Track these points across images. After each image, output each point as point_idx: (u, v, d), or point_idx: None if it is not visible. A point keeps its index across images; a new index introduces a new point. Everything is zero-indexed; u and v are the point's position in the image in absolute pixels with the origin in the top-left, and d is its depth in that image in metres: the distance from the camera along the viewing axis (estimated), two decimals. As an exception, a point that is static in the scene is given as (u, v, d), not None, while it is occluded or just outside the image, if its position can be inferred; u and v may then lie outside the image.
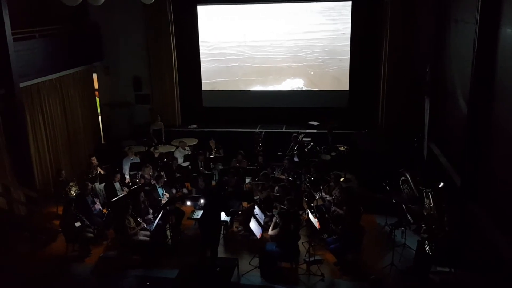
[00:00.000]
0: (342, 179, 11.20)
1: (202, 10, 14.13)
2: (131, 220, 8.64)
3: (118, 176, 10.57)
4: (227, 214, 8.51)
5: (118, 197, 9.78)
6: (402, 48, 12.64)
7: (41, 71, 11.12)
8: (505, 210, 7.53)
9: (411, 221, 8.64)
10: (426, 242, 7.75)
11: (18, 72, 10.02)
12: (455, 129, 10.04)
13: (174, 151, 12.49)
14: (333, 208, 9.18)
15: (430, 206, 8.54)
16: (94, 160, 11.45)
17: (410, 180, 9.75)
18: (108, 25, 13.96)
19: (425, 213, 8.64)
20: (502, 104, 7.82)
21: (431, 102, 11.46)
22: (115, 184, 10.31)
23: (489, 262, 7.64)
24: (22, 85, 10.25)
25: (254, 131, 13.14)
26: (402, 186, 9.96)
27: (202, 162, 11.62)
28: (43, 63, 11.22)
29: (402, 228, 8.87)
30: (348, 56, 13.77)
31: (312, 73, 14.10)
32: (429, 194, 8.69)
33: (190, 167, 11.65)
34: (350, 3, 13.41)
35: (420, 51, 12.42)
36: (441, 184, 8.77)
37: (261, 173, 10.31)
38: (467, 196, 8.87)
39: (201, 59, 14.44)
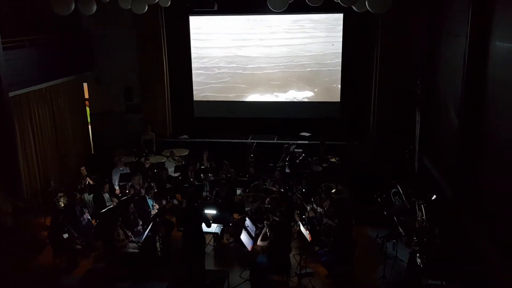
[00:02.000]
0: (333, 191, 11.19)
1: (194, 21, 14.14)
2: (120, 232, 8.53)
3: (107, 186, 10.45)
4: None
5: (107, 208, 9.66)
6: (393, 60, 12.69)
7: (31, 80, 11.00)
8: (496, 222, 7.54)
9: (403, 233, 8.61)
10: (418, 254, 7.72)
11: (8, 81, 9.88)
12: (446, 141, 10.08)
13: (164, 162, 12.40)
14: (325, 220, 9.14)
15: (422, 218, 8.55)
16: (83, 170, 11.34)
17: (401, 192, 9.75)
18: (100, 35, 13.90)
19: (417, 225, 8.64)
20: (492, 116, 7.85)
21: (422, 114, 11.51)
22: (104, 194, 10.19)
23: (480, 274, 7.61)
24: (11, 94, 10.11)
25: (246, 142, 13.10)
26: (394, 198, 9.96)
27: (192, 173, 11.54)
28: (33, 72, 11.10)
29: (394, 241, 8.83)
30: (340, 67, 13.82)
31: (304, 84, 14.13)
32: (422, 206, 8.70)
33: (180, 177, 11.56)
34: (341, 15, 13.48)
35: (411, 63, 12.49)
36: (434, 197, 8.78)
37: (252, 185, 10.25)
38: (458, 208, 8.87)
39: (192, 69, 14.43)
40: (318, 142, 12.71)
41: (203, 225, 7.98)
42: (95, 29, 13.80)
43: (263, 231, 8.47)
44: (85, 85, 14.03)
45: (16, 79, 10.38)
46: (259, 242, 8.35)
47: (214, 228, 9.17)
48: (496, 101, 7.69)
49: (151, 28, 13.64)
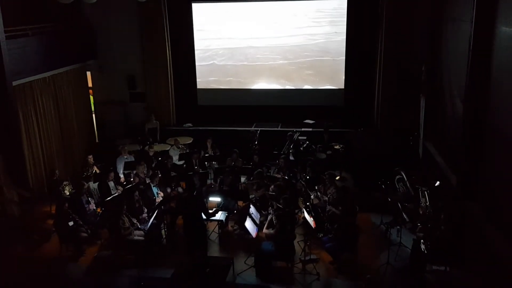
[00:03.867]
0: (337, 178, 11.21)
1: (197, 8, 14.06)
2: (126, 219, 8.59)
3: (112, 175, 10.49)
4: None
5: (112, 196, 9.71)
6: (397, 47, 12.60)
7: (34, 69, 11.02)
8: (500, 208, 7.53)
9: (407, 219, 8.63)
10: (422, 240, 7.75)
11: (11, 70, 9.92)
12: (451, 127, 10.04)
13: (169, 150, 12.43)
14: (329, 207, 9.16)
15: (426, 205, 8.56)
16: (90, 158, 11.39)
17: (405, 179, 9.74)
18: (102, 23, 13.87)
19: (420, 212, 8.65)
20: (497, 103, 7.81)
21: (426, 101, 11.46)
22: (109, 183, 10.24)
23: (485, 260, 7.63)
24: (15, 83, 10.15)
25: (250, 130, 13.09)
26: (398, 185, 9.97)
27: (197, 161, 11.57)
28: (36, 61, 11.11)
29: (398, 227, 8.86)
30: (344, 54, 13.74)
31: (308, 71, 14.06)
32: (425, 192, 8.70)
33: (185, 165, 11.60)
34: (345, 1, 13.36)
35: (416, 49, 12.41)
36: (437, 183, 8.77)
37: (255, 172, 10.27)
38: (462, 194, 8.86)
39: (196, 57, 14.38)
40: (322, 129, 12.69)
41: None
42: (98, 18, 13.77)
43: (268, 219, 8.49)
44: (88, 74, 14.02)
45: (19, 68, 10.40)
46: (264, 230, 8.39)
47: (219, 215, 9.23)
48: (502, 87, 7.64)
49: (153, 16, 13.57)
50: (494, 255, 7.38)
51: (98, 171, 11.13)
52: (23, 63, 10.58)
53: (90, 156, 11.46)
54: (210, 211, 8.69)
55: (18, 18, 10.97)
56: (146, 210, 9.40)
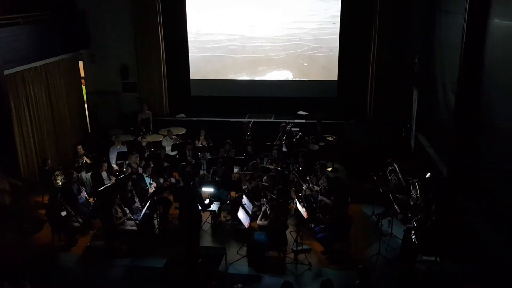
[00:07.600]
0: (329, 169, 11.26)
1: (191, -2, 13.99)
2: (118, 209, 8.58)
3: (105, 165, 10.47)
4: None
5: (105, 186, 9.69)
6: (391, 38, 12.63)
7: (25, 58, 10.90)
8: (491, 199, 7.62)
9: (398, 210, 8.70)
10: (413, 231, 7.82)
11: (2, 59, 9.83)
12: (443, 119, 10.10)
13: (161, 140, 12.41)
14: (320, 197, 9.21)
15: (417, 196, 8.62)
16: (80, 149, 11.33)
17: (397, 170, 9.80)
18: (95, 12, 13.73)
19: (411, 203, 8.72)
20: (489, 95, 7.86)
21: (419, 93, 11.51)
22: (102, 173, 10.21)
23: (474, 251, 7.72)
24: (6, 72, 10.06)
25: (243, 121, 13.09)
26: (390, 176, 10.02)
27: (190, 152, 11.56)
28: (27, 50, 10.99)
29: (389, 218, 8.93)
30: (337, 46, 13.73)
31: (301, 62, 14.04)
32: (416, 184, 8.76)
33: (178, 156, 11.59)
34: (339, -8, 13.35)
35: (409, 41, 12.44)
36: (428, 174, 8.83)
37: (251, 163, 10.26)
38: (453, 186, 8.94)
39: (189, 47, 14.29)
40: (315, 121, 12.71)
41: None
42: (91, 6, 13.63)
43: (262, 209, 8.52)
44: (80, 63, 13.91)
45: (11, 57, 10.30)
46: (258, 221, 8.41)
47: (212, 206, 9.24)
48: (494, 80, 7.68)
49: (147, 5, 13.47)
50: (484, 245, 7.47)
51: (88, 161, 11.09)
52: (14, 52, 10.46)
53: (80, 146, 11.40)
54: (206, 202, 8.69)
55: (9, 6, 10.84)
56: (138, 200, 9.39)
